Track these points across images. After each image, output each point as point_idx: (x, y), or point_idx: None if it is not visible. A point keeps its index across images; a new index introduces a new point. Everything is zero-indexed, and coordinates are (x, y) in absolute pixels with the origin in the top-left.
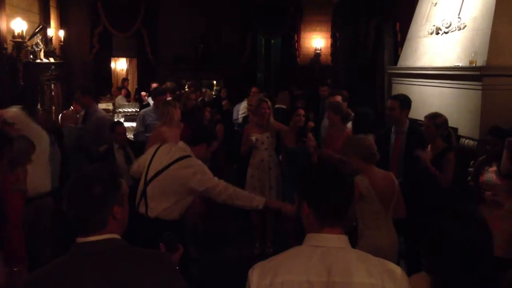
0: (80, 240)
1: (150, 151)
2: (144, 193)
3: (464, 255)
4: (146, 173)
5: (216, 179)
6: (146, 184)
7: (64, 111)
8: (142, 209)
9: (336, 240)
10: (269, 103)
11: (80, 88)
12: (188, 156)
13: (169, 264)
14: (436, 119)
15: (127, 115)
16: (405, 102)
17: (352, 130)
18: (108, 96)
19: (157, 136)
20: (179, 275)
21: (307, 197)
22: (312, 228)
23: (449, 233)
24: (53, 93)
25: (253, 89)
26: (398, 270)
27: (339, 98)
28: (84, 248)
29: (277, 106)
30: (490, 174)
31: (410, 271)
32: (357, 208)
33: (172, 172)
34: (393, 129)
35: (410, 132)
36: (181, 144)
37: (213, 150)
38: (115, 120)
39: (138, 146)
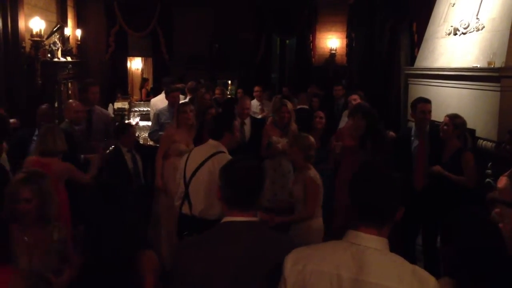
0: (231, 219)
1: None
2: (186, 194)
3: (484, 261)
4: (184, 175)
5: None
6: (187, 185)
7: (41, 106)
8: (185, 209)
9: (373, 241)
10: (290, 106)
11: (97, 84)
12: (221, 151)
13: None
14: (456, 119)
15: (143, 114)
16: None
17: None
18: (125, 96)
19: (167, 137)
20: None
21: (350, 193)
22: (352, 225)
23: (467, 240)
24: (70, 92)
25: (256, 89)
26: (431, 280)
27: (356, 97)
28: (237, 226)
29: (299, 107)
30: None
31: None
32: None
33: (207, 168)
34: (413, 131)
35: (431, 132)
36: (212, 142)
37: (238, 137)
38: (130, 120)
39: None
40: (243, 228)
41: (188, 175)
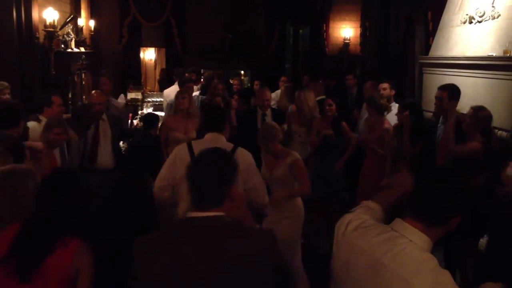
0: (195, 214)
1: (170, 162)
2: None
3: None
4: None
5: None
6: None
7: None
8: None
9: (412, 233)
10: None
11: (106, 75)
12: (238, 146)
13: (271, 237)
14: (479, 112)
15: (156, 104)
16: (454, 92)
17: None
18: (137, 86)
19: (163, 124)
20: (277, 249)
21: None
22: (403, 215)
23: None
24: (83, 82)
25: (282, 79)
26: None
27: (386, 86)
28: (199, 223)
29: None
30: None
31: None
32: None
33: None
34: (440, 120)
35: (458, 123)
36: (216, 136)
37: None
38: (144, 110)
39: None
40: (206, 224)
41: None
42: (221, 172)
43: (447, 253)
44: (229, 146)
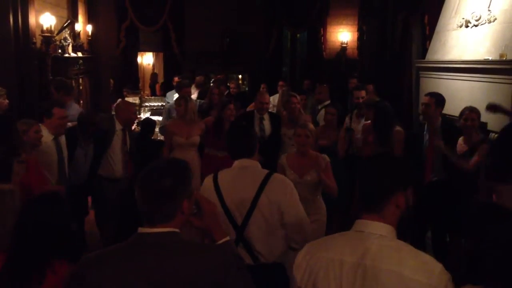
0: (144, 230)
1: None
2: (241, 239)
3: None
4: (229, 215)
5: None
6: (240, 228)
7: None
8: (247, 260)
9: (376, 227)
10: (299, 98)
11: (53, 82)
12: (273, 172)
13: (224, 254)
14: (474, 111)
15: (153, 109)
16: (440, 100)
17: (372, 124)
18: (135, 91)
19: (166, 130)
20: (234, 265)
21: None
22: (358, 215)
23: (486, 231)
24: (81, 87)
25: (280, 83)
26: (437, 267)
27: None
28: (147, 238)
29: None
30: None
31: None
32: None
33: (266, 199)
34: (426, 127)
35: (443, 128)
36: (241, 163)
37: None
38: (141, 115)
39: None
40: (154, 241)
41: (236, 214)
42: (171, 186)
43: (437, 250)
44: (263, 173)
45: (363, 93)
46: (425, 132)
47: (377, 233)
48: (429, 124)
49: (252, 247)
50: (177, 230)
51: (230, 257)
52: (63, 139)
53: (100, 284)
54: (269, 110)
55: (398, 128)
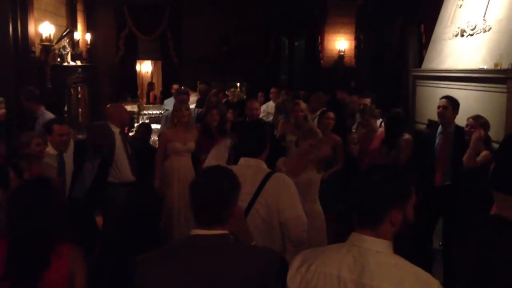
0: (198, 232)
1: None
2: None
3: None
4: None
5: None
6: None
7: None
8: None
9: (374, 243)
10: (303, 105)
11: (23, 92)
12: (274, 171)
13: (272, 259)
14: (480, 119)
15: (152, 117)
16: (456, 104)
17: (385, 131)
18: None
19: (162, 136)
20: (275, 272)
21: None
22: (355, 227)
23: (492, 245)
24: (79, 96)
25: (272, 90)
26: (435, 284)
27: (368, 101)
28: (203, 240)
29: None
30: None
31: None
32: None
33: (263, 199)
34: (439, 130)
35: (456, 132)
36: (247, 161)
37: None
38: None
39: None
40: (208, 243)
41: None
42: (225, 191)
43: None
44: (264, 172)
45: (367, 100)
46: (438, 134)
47: (373, 249)
48: (445, 126)
49: None
50: (228, 232)
51: (275, 258)
52: (69, 153)
53: (160, 283)
54: (264, 118)
55: (406, 135)
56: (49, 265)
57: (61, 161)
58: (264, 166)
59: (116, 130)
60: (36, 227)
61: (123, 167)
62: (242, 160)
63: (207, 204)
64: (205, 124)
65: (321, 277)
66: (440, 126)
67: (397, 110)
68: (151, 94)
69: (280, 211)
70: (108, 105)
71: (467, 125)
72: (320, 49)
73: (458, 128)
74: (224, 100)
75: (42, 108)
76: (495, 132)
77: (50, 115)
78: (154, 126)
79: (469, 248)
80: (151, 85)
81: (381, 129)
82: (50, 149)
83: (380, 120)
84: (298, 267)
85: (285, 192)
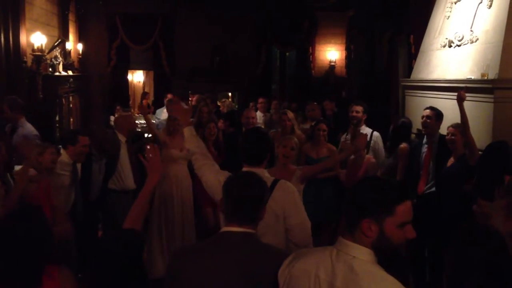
0: (230, 228)
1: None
2: None
3: (489, 274)
4: None
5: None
6: None
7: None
8: None
9: (354, 249)
10: (290, 115)
11: (7, 101)
12: (279, 180)
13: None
14: (460, 127)
15: (144, 126)
16: (440, 114)
17: (391, 140)
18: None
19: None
20: None
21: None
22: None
23: (468, 253)
24: (71, 106)
25: (260, 100)
26: None
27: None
28: (234, 236)
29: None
30: None
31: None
32: None
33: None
34: (424, 140)
35: (440, 142)
36: (254, 170)
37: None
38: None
39: None
40: (239, 239)
41: None
42: (261, 194)
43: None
44: (269, 180)
45: (359, 108)
46: (424, 143)
47: (351, 254)
48: (429, 136)
49: None
50: (255, 232)
51: None
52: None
53: (197, 273)
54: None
55: (403, 144)
56: (41, 286)
57: (75, 169)
58: (267, 174)
59: (122, 139)
60: (24, 256)
61: (125, 175)
62: (246, 169)
63: (244, 204)
64: (201, 138)
65: (302, 274)
66: (425, 136)
67: (403, 119)
68: (144, 102)
69: (286, 218)
70: (117, 115)
71: (447, 134)
72: (311, 59)
73: (442, 137)
74: (215, 110)
75: (23, 119)
76: (482, 141)
77: (30, 127)
78: (147, 135)
79: (448, 256)
80: (143, 95)
81: (369, 156)
82: (64, 158)
83: (371, 130)
84: (287, 264)
85: (291, 199)
